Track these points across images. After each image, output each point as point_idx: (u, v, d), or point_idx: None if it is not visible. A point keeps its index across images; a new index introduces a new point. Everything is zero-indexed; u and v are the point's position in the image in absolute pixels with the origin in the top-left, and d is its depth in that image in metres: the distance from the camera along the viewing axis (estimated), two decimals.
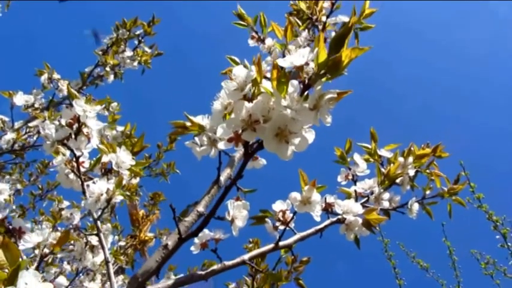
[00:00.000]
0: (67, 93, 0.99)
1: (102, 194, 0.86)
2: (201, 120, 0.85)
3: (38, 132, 1.82)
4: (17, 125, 1.84)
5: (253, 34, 1.24)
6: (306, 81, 0.54)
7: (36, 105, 2.03)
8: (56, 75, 2.10)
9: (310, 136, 0.55)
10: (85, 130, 0.89)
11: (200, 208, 0.84)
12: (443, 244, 3.14)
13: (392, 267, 3.16)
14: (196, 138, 1.01)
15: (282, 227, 0.96)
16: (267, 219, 0.98)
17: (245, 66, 0.56)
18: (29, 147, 1.99)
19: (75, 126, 0.91)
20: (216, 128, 0.64)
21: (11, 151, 1.85)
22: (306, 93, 0.54)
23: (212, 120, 0.59)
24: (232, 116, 0.54)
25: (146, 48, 2.47)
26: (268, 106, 0.54)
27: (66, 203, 1.77)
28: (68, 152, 0.95)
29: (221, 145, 0.60)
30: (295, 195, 0.87)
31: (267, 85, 0.54)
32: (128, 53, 2.32)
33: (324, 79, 0.54)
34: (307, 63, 0.54)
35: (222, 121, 0.58)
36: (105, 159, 0.98)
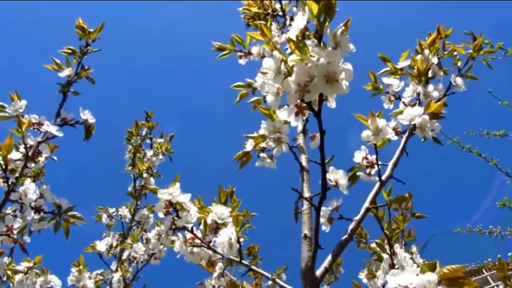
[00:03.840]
0: (149, 190, 1.10)
1: (231, 238, 0.96)
2: (259, 133, 0.96)
3: (135, 258, 1.95)
4: (114, 264, 1.97)
5: (239, 54, 1.36)
6: (317, 33, 0.64)
7: (114, 244, 2.18)
8: (111, 210, 2.25)
9: (348, 67, 0.65)
10: (182, 206, 1.00)
11: (306, 194, 0.94)
12: None
13: (477, 154, 3.17)
14: (261, 155, 1.12)
15: (374, 169, 1.05)
16: (358, 173, 1.07)
17: (269, 56, 0.66)
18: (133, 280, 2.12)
19: (171, 210, 1.02)
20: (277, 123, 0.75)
21: None
22: (322, 41, 0.65)
23: (273, 107, 0.69)
24: (289, 94, 0.65)
25: (159, 140, 2.62)
26: (305, 68, 0.64)
27: None
28: (179, 235, 1.07)
29: (293, 122, 0.70)
30: (365, 133, 0.96)
31: (293, 57, 0.64)
32: (149, 152, 2.47)
33: (327, 23, 0.64)
34: (308, 22, 0.65)
35: (279, 105, 0.69)
36: (208, 220, 1.09)
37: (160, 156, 2.51)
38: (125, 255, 2.00)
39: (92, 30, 1.30)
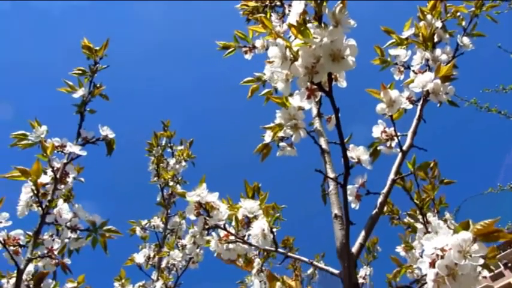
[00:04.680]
0: (178, 195, 1.13)
1: (263, 229, 0.98)
2: (274, 123, 0.97)
3: (173, 265, 1.98)
4: (154, 274, 2.01)
5: (244, 49, 1.38)
6: (316, 14, 0.65)
7: (151, 254, 2.22)
8: (143, 222, 2.30)
9: (352, 42, 0.65)
10: (212, 205, 1.02)
11: (331, 175, 0.95)
12: None
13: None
14: (281, 145, 1.13)
15: (394, 142, 1.05)
16: (379, 147, 1.08)
17: (272, 45, 0.68)
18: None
19: (201, 210, 1.04)
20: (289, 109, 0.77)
21: None
22: (322, 22, 0.66)
23: (284, 93, 0.70)
24: (298, 78, 0.66)
25: (179, 147, 2.65)
26: (310, 51, 0.65)
27: None
28: (213, 234, 1.09)
29: (306, 105, 0.71)
30: (379, 106, 0.96)
31: (297, 41, 0.65)
32: (172, 160, 2.51)
33: (324, 3, 0.65)
34: (306, 5, 0.66)
35: (290, 92, 0.70)
36: (239, 215, 1.11)
37: (183, 163, 2.54)
38: (163, 264, 2.03)
39: (97, 48, 1.33)
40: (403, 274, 1.51)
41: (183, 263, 2.02)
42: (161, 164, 2.46)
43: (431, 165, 1.50)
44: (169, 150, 2.62)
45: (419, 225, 1.22)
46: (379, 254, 2.34)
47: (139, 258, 2.02)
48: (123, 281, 1.68)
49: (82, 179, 1.24)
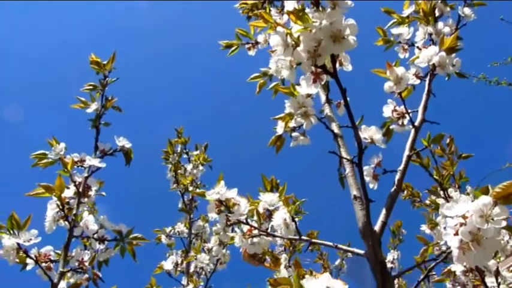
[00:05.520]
0: (196, 195, 1.15)
1: (285, 219, 0.99)
2: (284, 113, 0.99)
3: (202, 268, 2.00)
4: (184, 279, 2.04)
5: (247, 46, 1.39)
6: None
7: (179, 260, 2.24)
8: (167, 229, 2.33)
9: (351, 22, 0.66)
10: (232, 201, 1.03)
11: (346, 157, 0.95)
12: None
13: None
14: (293, 135, 1.14)
15: (405, 119, 1.06)
16: (391, 126, 1.08)
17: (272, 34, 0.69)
18: None
19: (223, 207, 1.05)
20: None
21: None
22: (320, 5, 0.67)
23: (290, 80, 0.71)
24: (301, 63, 0.67)
25: (195, 152, 2.67)
26: (311, 35, 0.66)
27: None
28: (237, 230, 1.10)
29: (313, 91, 0.72)
30: (387, 84, 0.97)
31: (296, 27, 0.66)
32: (189, 166, 2.53)
33: None
34: None
35: (295, 77, 0.71)
36: (260, 209, 1.12)
37: (200, 167, 2.56)
38: (192, 269, 2.06)
39: (105, 62, 1.36)
40: (430, 253, 1.50)
41: (211, 266, 2.04)
42: (179, 171, 2.48)
43: (448, 141, 1.50)
44: (185, 156, 2.65)
45: (441, 201, 1.22)
46: (404, 237, 2.34)
47: (168, 265, 2.05)
48: None
49: (103, 193, 1.27)
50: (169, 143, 2.54)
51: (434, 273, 1.22)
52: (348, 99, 0.74)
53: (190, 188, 2.41)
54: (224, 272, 2.10)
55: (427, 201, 1.89)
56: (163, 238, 2.30)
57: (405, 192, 1.77)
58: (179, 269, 2.20)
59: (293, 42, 0.67)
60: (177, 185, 2.43)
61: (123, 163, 1.30)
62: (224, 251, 1.86)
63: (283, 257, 2.18)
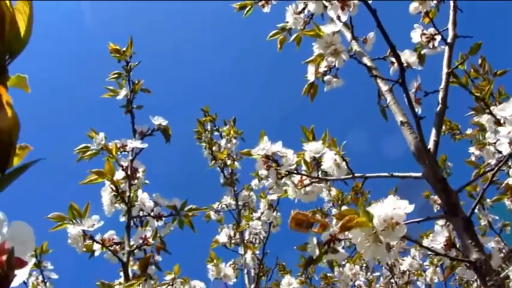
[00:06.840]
0: (243, 154, 1.16)
1: (335, 159, 1.00)
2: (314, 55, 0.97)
3: (256, 234, 2.03)
4: (241, 249, 2.08)
5: (261, 3, 1.37)
6: None
7: (232, 233, 2.28)
8: (215, 205, 2.36)
9: None
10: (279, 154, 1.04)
11: (384, 88, 0.94)
12: None
13: None
14: (326, 79, 1.13)
15: (436, 41, 1.03)
16: (422, 51, 1.06)
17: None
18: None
19: (270, 162, 1.06)
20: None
21: None
22: None
23: (317, 12, 0.70)
24: None
25: (225, 128, 2.68)
26: None
27: None
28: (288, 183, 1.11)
29: (342, 16, 0.71)
30: (412, 6, 0.94)
31: None
32: (222, 142, 2.55)
33: None
34: None
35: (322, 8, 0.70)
36: (307, 158, 1.12)
37: (234, 141, 2.58)
38: (246, 237, 2.09)
39: (124, 49, 1.36)
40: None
41: (263, 233, 2.06)
42: (214, 148, 2.50)
43: (480, 61, 1.46)
44: (216, 133, 2.66)
45: (485, 117, 1.20)
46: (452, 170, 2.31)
47: (222, 237, 2.09)
48: (215, 261, 1.74)
49: (147, 181, 1.29)
50: (199, 122, 2.55)
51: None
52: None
53: (229, 162, 2.43)
54: (279, 239, 2.12)
55: (467, 132, 1.86)
56: (212, 214, 2.34)
57: (443, 126, 1.75)
58: (233, 241, 2.24)
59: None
60: (215, 162, 2.46)
61: (158, 147, 1.32)
62: (274, 213, 1.88)
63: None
